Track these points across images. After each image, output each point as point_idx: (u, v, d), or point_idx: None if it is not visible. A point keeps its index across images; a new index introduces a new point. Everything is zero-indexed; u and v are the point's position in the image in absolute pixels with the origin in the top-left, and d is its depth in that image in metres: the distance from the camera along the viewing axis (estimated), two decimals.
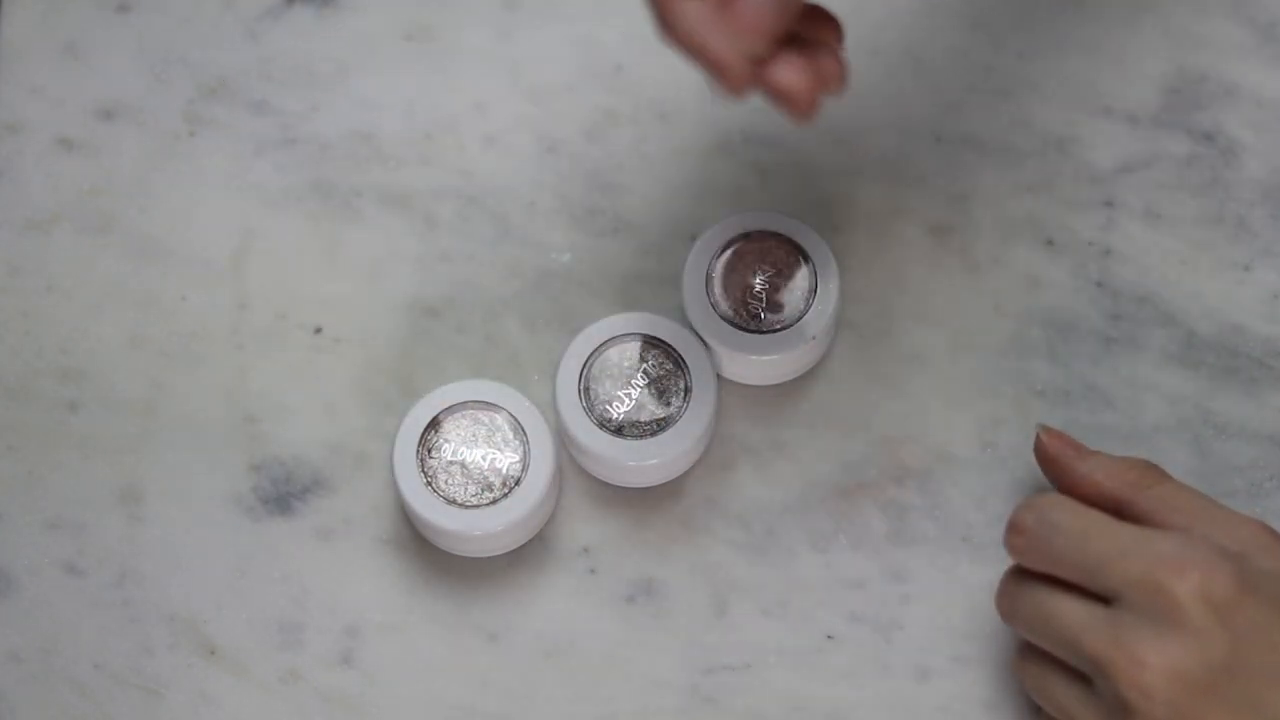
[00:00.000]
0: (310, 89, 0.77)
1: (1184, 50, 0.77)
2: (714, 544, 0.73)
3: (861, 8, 0.78)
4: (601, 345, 0.72)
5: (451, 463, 0.71)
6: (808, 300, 0.73)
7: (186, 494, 0.73)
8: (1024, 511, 0.66)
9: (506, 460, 0.71)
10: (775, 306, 0.73)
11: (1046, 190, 0.76)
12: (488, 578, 0.72)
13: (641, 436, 0.71)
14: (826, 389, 0.74)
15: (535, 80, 0.77)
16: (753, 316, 0.73)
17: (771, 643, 0.72)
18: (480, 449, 0.71)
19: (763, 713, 0.71)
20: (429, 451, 0.71)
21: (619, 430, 0.71)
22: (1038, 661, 0.66)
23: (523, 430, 0.71)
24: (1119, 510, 0.67)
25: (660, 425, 0.72)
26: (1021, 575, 0.66)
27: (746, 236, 0.73)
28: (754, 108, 0.77)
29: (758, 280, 0.73)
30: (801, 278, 0.73)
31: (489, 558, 0.72)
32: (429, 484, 0.71)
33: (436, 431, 0.71)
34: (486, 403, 0.72)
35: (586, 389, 0.72)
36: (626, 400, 0.72)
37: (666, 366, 0.72)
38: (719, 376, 0.73)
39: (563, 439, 0.73)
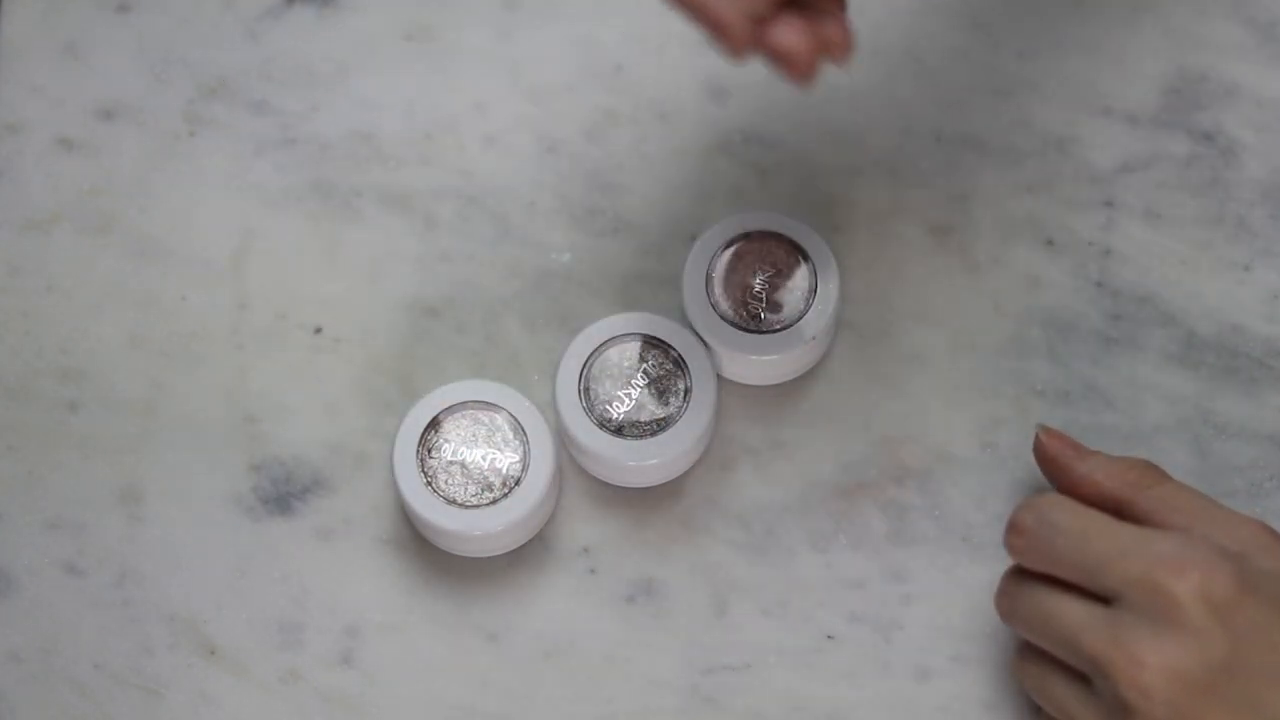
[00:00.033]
0: (310, 89, 0.77)
1: (1184, 50, 0.77)
2: (714, 544, 0.73)
3: (861, 8, 0.78)
4: (601, 345, 0.72)
5: (451, 463, 0.71)
6: (808, 300, 0.73)
7: (186, 494, 0.73)
8: (1023, 511, 0.66)
9: (506, 460, 0.71)
10: (775, 306, 0.73)
11: (1046, 190, 0.76)
12: (488, 578, 0.72)
13: (641, 436, 0.71)
14: (826, 389, 0.74)
15: (535, 80, 0.77)
16: (753, 316, 0.73)
17: (771, 643, 0.72)
18: (480, 449, 0.71)
19: (763, 713, 0.71)
20: (429, 451, 0.71)
21: (619, 430, 0.71)
22: (1037, 661, 0.66)
23: (523, 430, 0.71)
24: (1119, 510, 0.67)
25: (660, 425, 0.72)
26: (1021, 575, 0.66)
27: (746, 236, 0.73)
28: (754, 108, 0.77)
29: (758, 280, 0.73)
30: (801, 278, 0.73)
31: (489, 558, 0.72)
32: (429, 484, 0.71)
33: (436, 431, 0.71)
34: (486, 403, 0.72)
35: (586, 389, 0.72)
36: (626, 400, 0.72)
37: (666, 366, 0.72)
38: (719, 376, 0.73)
39: (563, 439, 0.73)
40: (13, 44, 0.78)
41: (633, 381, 0.72)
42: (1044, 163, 0.76)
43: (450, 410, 0.72)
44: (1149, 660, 0.61)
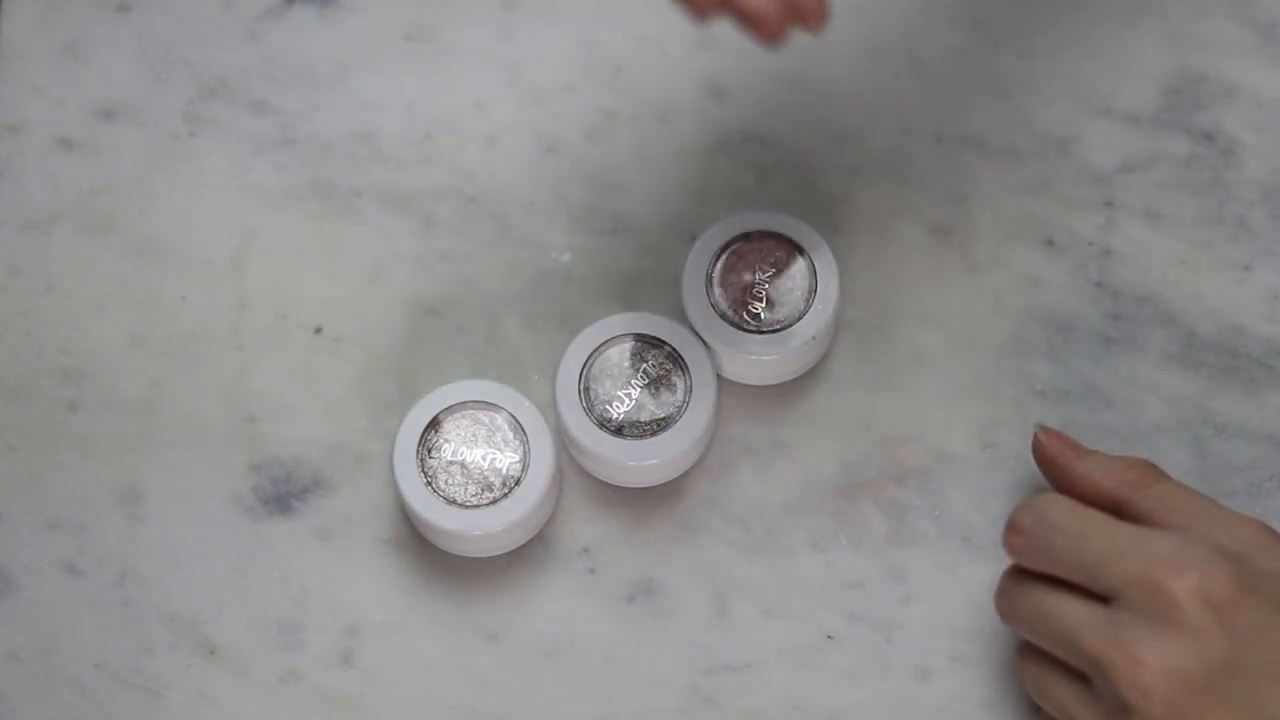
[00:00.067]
0: (310, 89, 0.77)
1: (1184, 50, 0.77)
2: (714, 544, 0.73)
3: (861, 8, 0.78)
4: (601, 345, 0.72)
5: (451, 463, 0.71)
6: (808, 300, 0.73)
7: (186, 494, 0.73)
8: (1023, 511, 0.66)
9: (506, 460, 0.71)
10: (775, 307, 0.73)
11: (1046, 190, 0.76)
12: (488, 578, 0.72)
13: (641, 436, 0.71)
14: (826, 389, 0.74)
15: (535, 80, 0.77)
16: (753, 316, 0.73)
17: (771, 643, 0.72)
18: (480, 449, 0.71)
19: (763, 713, 0.71)
20: (429, 451, 0.71)
21: (619, 430, 0.71)
22: (1037, 661, 0.66)
23: (523, 430, 0.71)
24: (1117, 510, 0.67)
25: (660, 425, 0.72)
26: (1020, 575, 0.66)
27: (746, 236, 0.73)
28: (754, 108, 0.77)
29: (758, 280, 0.73)
30: (801, 278, 0.73)
31: (489, 558, 0.72)
32: (429, 484, 0.71)
33: (436, 431, 0.71)
34: (486, 403, 0.72)
35: (586, 389, 0.72)
36: (626, 400, 0.72)
37: (666, 366, 0.72)
38: (719, 376, 0.73)
39: (563, 439, 0.73)
40: (13, 44, 0.78)
41: (633, 381, 0.72)
42: (1044, 163, 0.76)
43: (450, 410, 0.72)
44: (1148, 659, 0.61)
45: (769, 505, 0.73)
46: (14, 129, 0.77)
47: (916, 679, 0.71)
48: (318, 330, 0.75)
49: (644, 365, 0.72)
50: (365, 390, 0.74)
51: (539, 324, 0.75)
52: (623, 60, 0.78)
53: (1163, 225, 0.76)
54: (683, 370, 0.72)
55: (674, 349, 0.72)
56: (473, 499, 0.71)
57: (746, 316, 0.73)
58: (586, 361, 0.72)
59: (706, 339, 0.72)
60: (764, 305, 0.73)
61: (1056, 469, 0.69)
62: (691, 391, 0.72)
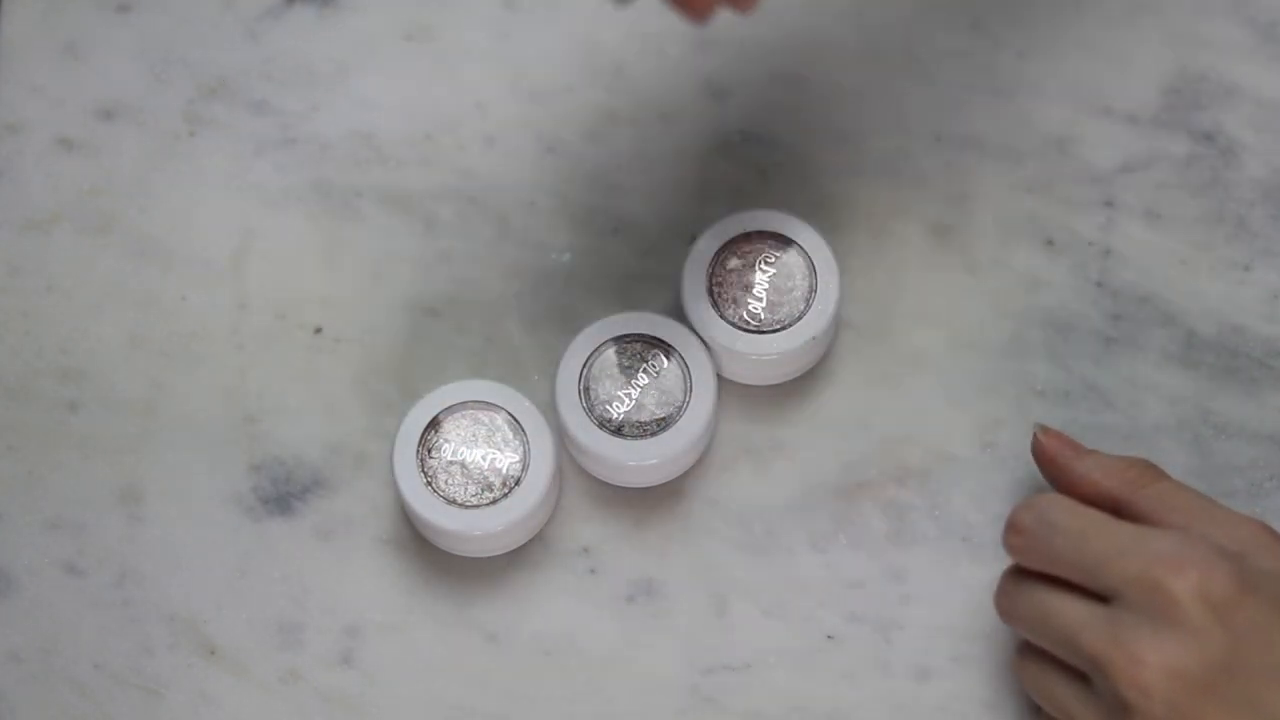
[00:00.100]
0: (310, 89, 0.77)
1: (1184, 50, 0.77)
2: (714, 544, 0.73)
3: (861, 8, 0.78)
4: (601, 345, 0.72)
5: (451, 463, 0.71)
6: (808, 300, 0.73)
7: (186, 494, 0.73)
8: (1022, 511, 0.66)
9: (506, 460, 0.71)
10: (775, 307, 0.73)
11: (1046, 190, 0.76)
12: (488, 578, 0.72)
13: (641, 436, 0.71)
14: (826, 389, 0.74)
15: (535, 80, 0.77)
16: (753, 316, 0.73)
17: (771, 643, 0.72)
18: (480, 449, 0.71)
19: (763, 713, 0.71)
20: (429, 451, 0.71)
21: (619, 430, 0.71)
22: (1037, 661, 0.66)
23: (523, 430, 0.71)
24: (1117, 509, 0.67)
25: (660, 425, 0.72)
26: (1020, 575, 0.66)
27: (746, 236, 0.73)
28: (754, 108, 0.77)
29: (758, 280, 0.73)
30: (801, 278, 0.73)
31: (489, 558, 0.72)
32: (429, 484, 0.71)
33: (436, 431, 0.71)
34: (486, 403, 0.72)
35: (586, 389, 0.72)
36: (626, 400, 0.72)
37: (666, 366, 0.72)
38: (719, 376, 0.73)
39: (563, 439, 0.73)
40: (13, 44, 0.78)
41: (633, 381, 0.72)
42: (1044, 163, 0.76)
43: (450, 410, 0.72)
44: (1148, 659, 0.61)
45: (769, 505, 0.73)
46: (14, 129, 0.77)
47: (916, 679, 0.71)
48: (318, 330, 0.75)
49: (644, 365, 0.72)
50: (365, 390, 0.74)
51: (539, 324, 0.75)
52: (623, 60, 0.78)
53: (1163, 225, 0.76)
54: (683, 370, 0.72)
55: (674, 349, 0.72)
56: (473, 499, 0.71)
57: (746, 316, 0.73)
58: (586, 361, 0.72)
59: (706, 339, 0.72)
60: (764, 305, 0.73)
61: (1056, 469, 0.69)
62: (691, 391, 0.72)
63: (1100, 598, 0.63)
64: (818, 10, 0.78)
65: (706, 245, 0.73)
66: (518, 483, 0.71)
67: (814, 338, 0.72)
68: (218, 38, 0.78)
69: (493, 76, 0.77)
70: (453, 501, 0.71)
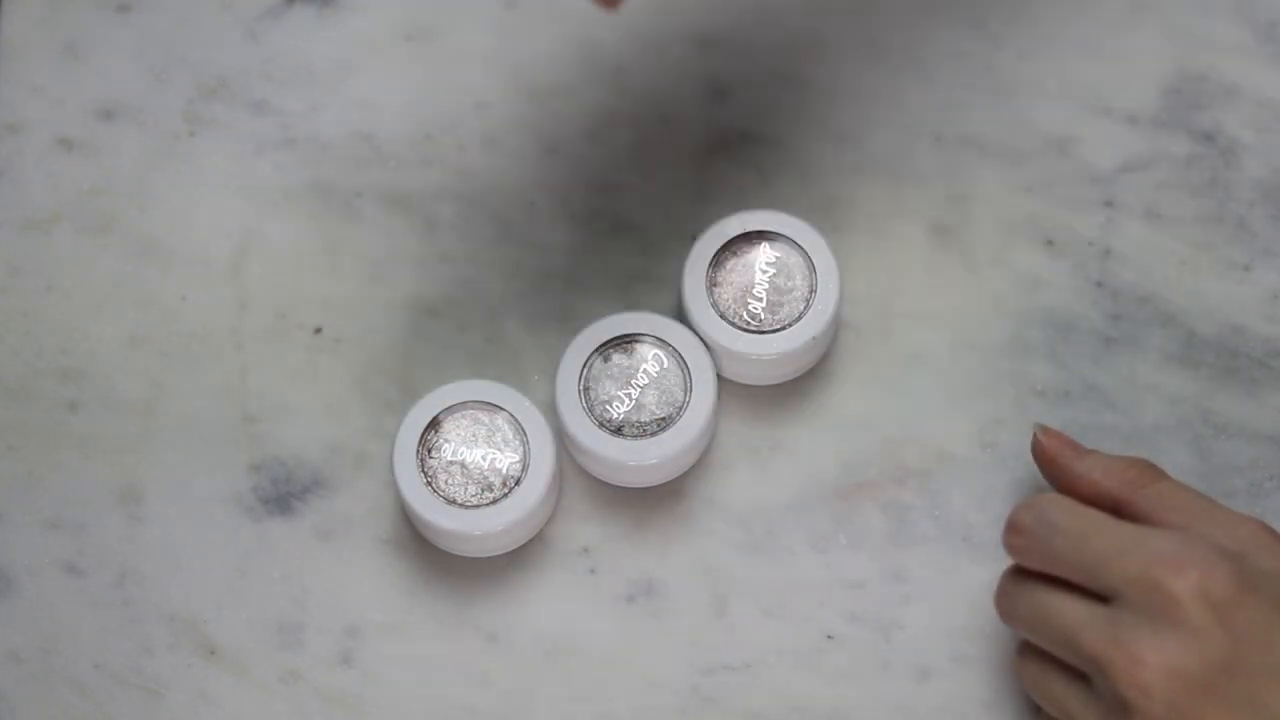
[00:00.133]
0: (310, 89, 0.77)
1: (1184, 50, 0.77)
2: (714, 544, 0.73)
3: (861, 8, 0.78)
4: (601, 345, 0.72)
5: (451, 463, 0.71)
6: (808, 300, 0.73)
7: (186, 494, 0.73)
8: (1022, 511, 0.66)
9: (506, 460, 0.71)
10: (775, 307, 0.73)
11: (1046, 190, 0.76)
12: (488, 578, 0.72)
13: (641, 436, 0.71)
14: (826, 389, 0.74)
15: (535, 80, 0.77)
16: (753, 316, 0.72)
17: (771, 643, 0.72)
18: (480, 449, 0.71)
19: (763, 713, 0.71)
20: (429, 451, 0.71)
21: (619, 430, 0.71)
22: (1037, 661, 0.66)
23: (523, 430, 0.71)
24: (1117, 509, 0.67)
25: (660, 425, 0.72)
26: (1020, 575, 0.66)
27: (746, 236, 0.73)
28: (754, 108, 0.77)
29: (758, 280, 0.73)
30: (801, 278, 0.73)
31: (489, 558, 0.72)
32: (429, 484, 0.71)
33: (436, 431, 0.71)
34: (486, 403, 0.72)
35: (586, 389, 0.72)
36: (626, 400, 0.72)
37: (666, 366, 0.72)
38: (719, 376, 0.73)
39: (563, 439, 0.73)
40: (13, 44, 0.78)
41: (633, 381, 0.72)
42: (1044, 163, 0.76)
43: (450, 410, 0.72)
44: (1148, 659, 0.61)
45: (769, 505, 0.73)
46: (14, 129, 0.77)
47: (916, 679, 0.71)
48: (318, 330, 0.75)
49: (644, 365, 0.72)
50: (365, 390, 0.74)
51: (539, 324, 0.75)
52: (623, 60, 0.78)
53: (1163, 225, 0.76)
54: (683, 370, 0.72)
55: (674, 349, 0.72)
56: (473, 499, 0.71)
57: (746, 316, 0.73)
58: (586, 361, 0.72)
59: (706, 339, 0.72)
60: (764, 305, 0.73)
61: (1056, 468, 0.69)
62: (691, 391, 0.72)
63: (1100, 598, 0.63)
64: (818, 10, 0.78)
65: (706, 245, 0.73)
66: (518, 483, 0.71)
67: (814, 338, 0.72)
68: (217, 38, 0.78)
69: (493, 76, 0.77)
70: (453, 501, 0.71)
